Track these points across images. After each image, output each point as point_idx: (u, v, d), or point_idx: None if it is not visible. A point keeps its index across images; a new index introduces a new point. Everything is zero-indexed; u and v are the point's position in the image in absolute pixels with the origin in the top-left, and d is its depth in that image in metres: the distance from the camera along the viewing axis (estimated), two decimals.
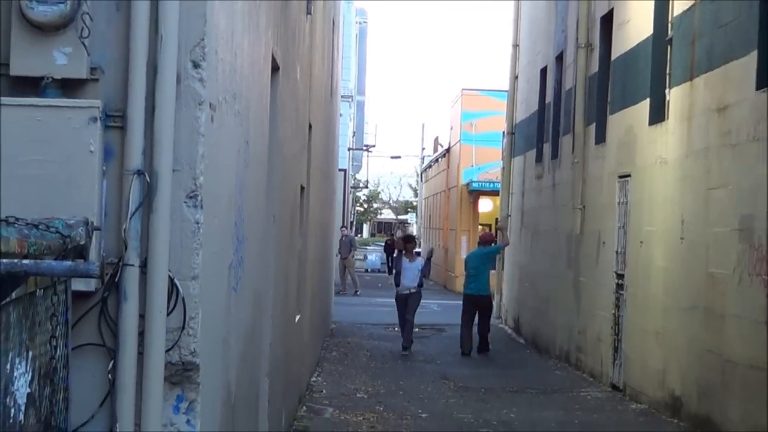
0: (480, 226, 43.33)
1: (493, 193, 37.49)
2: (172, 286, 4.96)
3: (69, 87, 4.94)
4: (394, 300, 19.75)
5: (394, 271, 20.75)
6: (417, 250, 20.07)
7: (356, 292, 34.51)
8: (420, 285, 19.37)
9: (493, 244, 20.82)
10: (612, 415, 13.09)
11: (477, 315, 19.10)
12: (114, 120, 4.94)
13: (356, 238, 51.64)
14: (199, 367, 5.07)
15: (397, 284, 19.43)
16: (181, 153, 4.98)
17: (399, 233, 37.67)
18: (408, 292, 19.13)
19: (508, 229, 24.12)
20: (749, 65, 10.90)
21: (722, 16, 11.69)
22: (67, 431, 4.42)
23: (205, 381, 5.17)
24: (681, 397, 12.47)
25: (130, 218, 4.89)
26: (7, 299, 3.58)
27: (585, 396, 14.51)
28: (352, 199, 57.32)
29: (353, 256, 36.70)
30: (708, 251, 11.81)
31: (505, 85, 27.72)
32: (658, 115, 13.90)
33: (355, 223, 61.99)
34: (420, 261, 19.66)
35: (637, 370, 14.19)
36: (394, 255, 22.24)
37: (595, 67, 17.29)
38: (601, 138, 16.72)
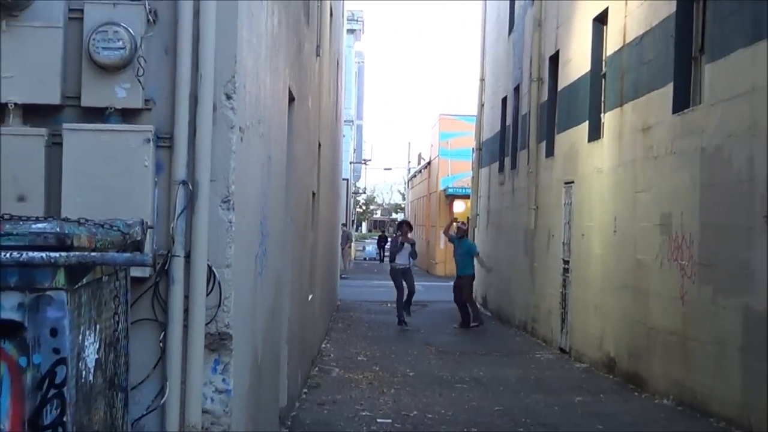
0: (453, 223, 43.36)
1: (465, 196, 37.48)
2: (210, 273, 4.96)
3: (128, 115, 4.95)
4: (389, 273, 19.71)
5: (389, 253, 20.76)
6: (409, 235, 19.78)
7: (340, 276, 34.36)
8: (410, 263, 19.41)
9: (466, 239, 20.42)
10: (560, 372, 13.10)
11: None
12: (163, 141, 4.95)
13: (356, 233, 51.70)
14: (232, 337, 5.07)
15: (392, 261, 19.40)
16: (217, 167, 4.99)
17: (390, 230, 37.60)
18: (404, 266, 19.10)
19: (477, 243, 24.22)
20: (667, 94, 10.93)
21: (645, 55, 11.73)
22: (128, 389, 4.43)
23: (236, 348, 5.18)
24: (615, 358, 12.50)
25: (177, 219, 4.89)
26: (79, 284, 3.59)
27: (539, 357, 14.53)
28: (353, 203, 57.20)
29: (350, 247, 36.63)
30: (635, 242, 11.84)
31: (475, 111, 27.72)
32: (595, 133, 13.93)
33: (355, 221, 61.90)
34: (409, 246, 19.32)
35: (580, 337, 14.21)
36: (390, 239, 22.25)
37: (545, 96, 17.31)
38: (550, 152, 16.74)
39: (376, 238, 56.10)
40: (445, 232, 20.33)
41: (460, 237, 19.62)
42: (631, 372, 11.79)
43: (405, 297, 18.85)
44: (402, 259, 19.16)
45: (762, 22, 8.67)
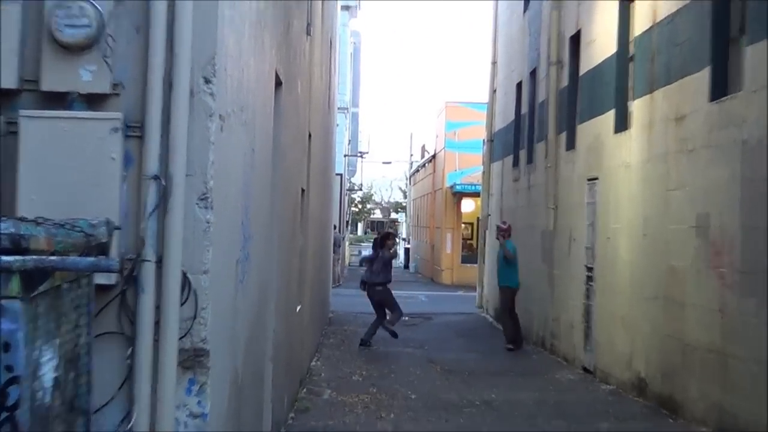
0: (463, 225, 43.41)
1: (475, 194, 37.58)
2: (185, 280, 4.97)
3: (93, 101, 4.96)
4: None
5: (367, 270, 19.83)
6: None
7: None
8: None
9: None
10: (584, 395, 13.10)
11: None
12: (133, 130, 4.95)
13: (351, 235, 51.57)
14: (209, 353, 5.07)
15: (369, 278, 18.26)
16: (194, 159, 4.99)
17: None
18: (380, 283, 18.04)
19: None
20: (703, 79, 10.93)
21: (678, 35, 11.73)
22: (90, 412, 4.42)
23: (214, 365, 5.17)
24: (645, 378, 12.49)
25: (148, 218, 4.90)
26: (36, 292, 3.58)
27: (559, 378, 14.53)
28: (348, 201, 57.20)
29: (336, 253, 36.49)
30: (668, 246, 11.84)
31: (485, 97, 27.77)
32: (622, 124, 13.93)
33: (350, 222, 61.84)
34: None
35: (606, 354, 14.21)
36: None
37: (565, 82, 17.32)
38: (571, 145, 16.75)
39: (372, 241, 55.96)
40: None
41: (505, 238, 18.44)
42: (665, 395, 11.78)
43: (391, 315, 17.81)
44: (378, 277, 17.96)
45: None
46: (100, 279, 4.67)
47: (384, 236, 19.16)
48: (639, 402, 12.34)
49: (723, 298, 10.26)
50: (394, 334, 17.61)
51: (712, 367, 10.45)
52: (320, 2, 15.06)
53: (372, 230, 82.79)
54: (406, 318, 19.94)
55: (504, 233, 18.46)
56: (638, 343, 12.81)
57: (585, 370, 15.01)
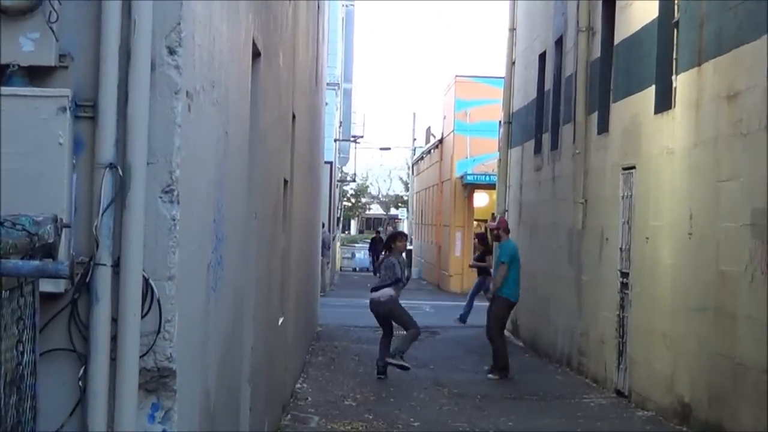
0: (475, 222, 43.43)
1: (489, 186, 37.61)
2: (147, 287, 4.97)
3: (36, 75, 4.95)
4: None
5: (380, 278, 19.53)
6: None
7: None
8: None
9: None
10: (617, 422, 13.12)
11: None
12: (84, 110, 4.95)
13: (343, 235, 51.57)
14: (175, 373, 5.07)
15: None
16: (156, 145, 4.99)
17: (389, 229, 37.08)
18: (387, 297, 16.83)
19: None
20: (761, 49, 10.92)
21: None
22: None
23: (182, 388, 5.17)
24: (690, 404, 12.50)
25: (102, 214, 4.90)
26: None
27: (588, 403, 14.55)
28: (339, 194, 57.29)
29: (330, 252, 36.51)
30: (718, 248, 11.84)
31: (502, 71, 27.75)
32: (664, 102, 13.93)
33: (342, 219, 61.96)
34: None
35: (644, 375, 14.22)
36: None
37: (597, 53, 17.31)
38: (603, 128, 16.74)
39: (369, 242, 55.76)
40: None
41: (502, 239, 17.66)
42: (712, 422, 11.79)
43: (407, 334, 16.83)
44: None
45: None
46: (47, 286, 4.67)
47: (394, 236, 18.43)
48: (682, 431, 12.35)
49: None
50: (404, 368, 16.23)
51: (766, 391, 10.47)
52: None
53: (368, 229, 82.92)
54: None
55: (499, 231, 17.69)
56: (682, 362, 12.81)
57: (618, 393, 15.02)
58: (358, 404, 13.74)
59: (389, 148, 71.36)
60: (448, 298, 37.22)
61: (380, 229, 42.61)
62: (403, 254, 18.08)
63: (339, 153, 47.68)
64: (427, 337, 21.86)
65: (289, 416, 12.53)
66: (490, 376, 16.74)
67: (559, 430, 12.40)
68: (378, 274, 18.38)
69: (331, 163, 39.01)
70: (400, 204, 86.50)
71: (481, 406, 13.96)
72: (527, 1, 24.54)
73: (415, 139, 69.49)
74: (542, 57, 22.15)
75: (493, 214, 19.21)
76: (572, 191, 18.03)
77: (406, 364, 16.15)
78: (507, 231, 17.64)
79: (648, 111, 14.40)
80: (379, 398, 14.26)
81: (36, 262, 3.86)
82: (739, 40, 11.46)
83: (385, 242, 18.48)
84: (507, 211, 25.55)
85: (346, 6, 46.89)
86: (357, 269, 55.49)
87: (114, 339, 4.91)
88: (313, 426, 12.14)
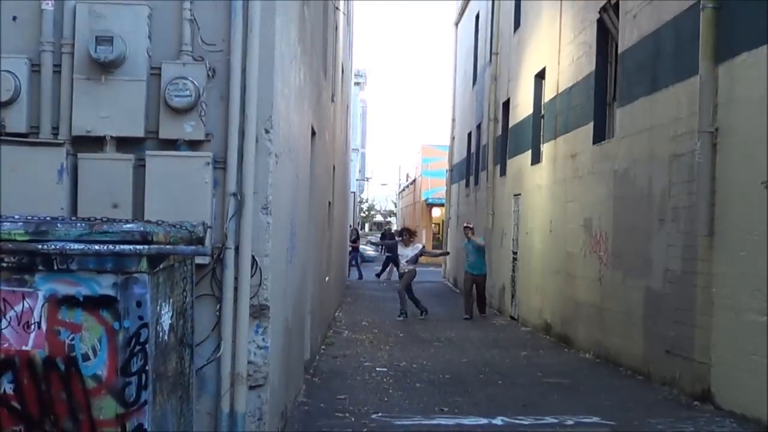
0: (433, 224, 43.34)
1: (441, 205, 37.50)
2: (254, 261, 4.95)
3: (193, 145, 4.95)
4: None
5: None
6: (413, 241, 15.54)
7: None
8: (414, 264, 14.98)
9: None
10: (511, 333, 13.08)
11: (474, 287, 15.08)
12: (219, 164, 4.94)
13: (360, 231, 51.18)
14: (269, 308, 5.07)
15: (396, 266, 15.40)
16: (258, 183, 4.98)
17: (392, 227, 35.97)
18: (403, 270, 15.19)
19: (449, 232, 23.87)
20: (589, 130, 10.95)
21: (573, 101, 11.74)
22: (193, 346, 4.42)
23: (273, 316, 5.17)
24: (551, 324, 12.49)
25: (229, 221, 4.89)
26: (157, 269, 3.60)
27: (495, 323, 14.49)
28: (358, 209, 57.11)
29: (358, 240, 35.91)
30: (566, 238, 11.84)
31: (448, 142, 27.73)
32: (536, 159, 13.93)
33: (360, 222, 61.69)
34: (417, 247, 15.45)
35: (525, 308, 14.20)
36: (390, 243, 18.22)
37: (499, 132, 17.31)
38: (503, 172, 16.73)
39: (381, 234, 53.06)
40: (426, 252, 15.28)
41: (468, 237, 15.32)
42: (563, 334, 11.79)
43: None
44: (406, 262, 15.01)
45: (657, 78, 8.70)
46: (199, 260, 4.67)
47: (408, 231, 15.68)
48: (546, 338, 12.33)
49: (600, 272, 10.28)
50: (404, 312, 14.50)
51: (593, 317, 10.47)
52: (340, 79, 15.05)
53: (375, 227, 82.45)
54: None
55: (472, 230, 15.58)
56: (546, 301, 12.81)
57: (512, 318, 14.99)
58: (370, 324, 13.67)
59: (386, 184, 71.30)
60: (417, 266, 36.75)
61: (388, 227, 40.94)
62: (415, 246, 15.34)
63: (358, 187, 47.49)
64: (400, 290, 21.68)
65: (331, 331, 12.50)
66: (465, 317, 14.66)
67: (479, 338, 12.36)
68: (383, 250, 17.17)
69: (354, 192, 38.84)
70: (391, 215, 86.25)
71: (437, 325, 13.86)
72: (461, 104, 24.52)
73: (400, 179, 69.06)
74: (469, 134, 22.13)
75: (469, 222, 16.46)
76: (486, 207, 18.01)
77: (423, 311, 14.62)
78: (473, 231, 15.71)
79: (527, 163, 14.40)
80: (381, 321, 14.18)
81: (193, 247, 3.88)
82: (577, 124, 11.47)
83: (400, 231, 16.18)
84: (450, 218, 25.46)
85: (363, 107, 46.82)
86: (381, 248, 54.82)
87: (235, 289, 4.90)
88: (345, 336, 12.09)
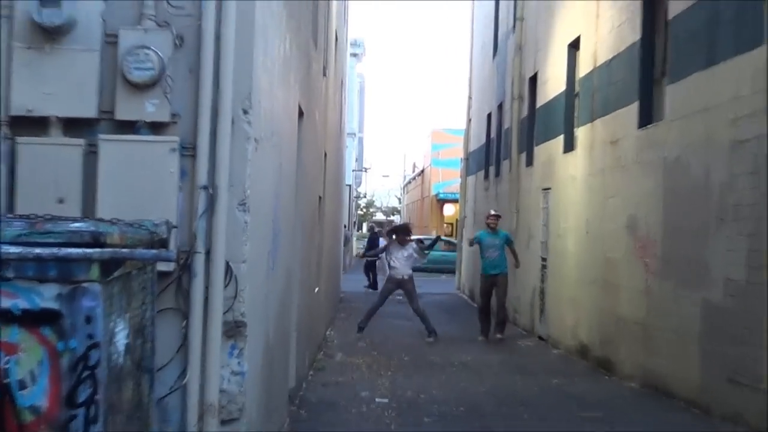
0: (445, 225, 43.42)
1: (454, 200, 37.56)
2: (228, 268, 4.96)
3: (156, 127, 4.95)
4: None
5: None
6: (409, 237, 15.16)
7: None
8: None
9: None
10: (539, 357, 13.08)
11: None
12: (187, 150, 4.94)
13: (357, 232, 51.22)
14: (246, 324, 5.07)
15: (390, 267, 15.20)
16: (234, 173, 4.98)
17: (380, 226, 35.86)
18: (401, 277, 14.78)
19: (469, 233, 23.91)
20: (633, 110, 10.93)
21: (613, 76, 11.73)
22: (153, 370, 4.41)
23: (250, 334, 5.17)
24: (587, 345, 12.48)
25: (198, 219, 4.89)
26: (111, 277, 3.58)
27: (519, 344, 14.49)
28: (355, 206, 57.13)
29: (349, 244, 36.18)
30: (605, 241, 11.84)
31: (463, 125, 27.75)
32: (569, 146, 13.93)
33: (357, 222, 61.78)
34: (412, 246, 14.98)
35: (556, 326, 14.20)
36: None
37: (525, 113, 17.31)
38: (530, 162, 16.74)
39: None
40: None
41: (494, 228, 14.83)
42: (602, 357, 11.77)
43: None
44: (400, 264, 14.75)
45: (715, 49, 8.68)
46: (161, 267, 4.67)
47: (395, 230, 15.54)
48: (582, 363, 12.32)
49: (647, 282, 10.26)
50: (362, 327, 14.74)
51: (638, 336, 10.45)
52: (333, 49, 15.04)
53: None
54: (400, 297, 19.64)
55: (498, 219, 15.10)
56: (582, 317, 12.80)
57: (540, 338, 14.99)
58: (368, 345, 13.69)
59: (388, 176, 71.51)
60: (426, 274, 36.93)
61: (375, 227, 40.84)
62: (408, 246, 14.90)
63: (355, 179, 47.56)
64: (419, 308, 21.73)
65: (322, 353, 12.51)
66: (486, 336, 14.59)
67: (501, 362, 12.35)
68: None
69: (350, 185, 38.91)
70: (394, 213, 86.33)
71: (449, 346, 13.90)
72: (480, 78, 24.53)
73: (405, 170, 69.36)
74: (489, 116, 22.14)
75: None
76: (509, 204, 18.02)
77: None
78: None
79: (559, 151, 14.40)
80: (381, 341, 14.20)
81: (154, 251, 3.86)
82: (618, 105, 11.46)
83: (391, 230, 16.12)
84: (466, 217, 25.50)
85: (360, 83, 46.87)
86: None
87: (206, 302, 4.90)
88: (338, 359, 12.11)
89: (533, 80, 16.67)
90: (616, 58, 11.64)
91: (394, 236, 15.26)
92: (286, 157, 7.02)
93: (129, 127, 4.92)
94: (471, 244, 15.88)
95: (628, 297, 10.85)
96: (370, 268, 26.34)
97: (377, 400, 9.24)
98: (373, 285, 25.77)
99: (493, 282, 14.71)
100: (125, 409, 3.83)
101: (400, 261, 14.81)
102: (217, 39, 4.91)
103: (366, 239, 27.25)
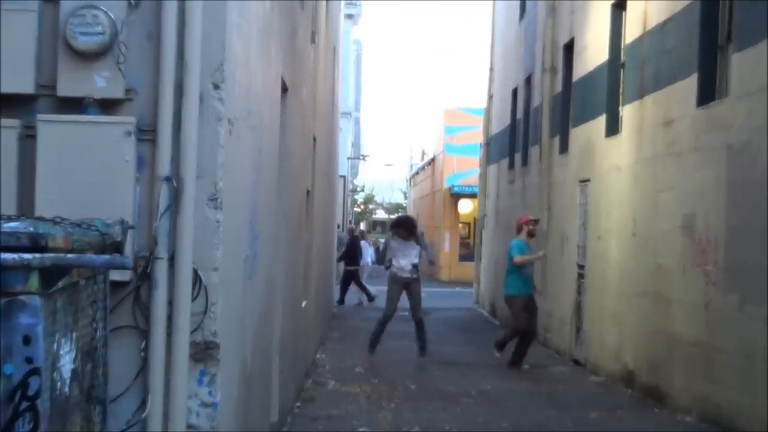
0: (461, 224, 43.40)
1: (472, 195, 37.55)
2: (196, 277, 4.97)
3: (107, 106, 4.96)
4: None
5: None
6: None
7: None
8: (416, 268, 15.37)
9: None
10: (574, 385, 13.08)
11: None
12: (146, 134, 4.96)
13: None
14: (219, 346, 5.08)
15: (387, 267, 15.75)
16: (204, 162, 5.00)
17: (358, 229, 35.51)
18: (408, 276, 15.25)
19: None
20: (691, 86, 10.93)
21: (667, 43, 11.72)
22: (106, 402, 4.43)
23: (224, 357, 5.18)
24: (633, 371, 12.49)
25: (160, 218, 4.91)
26: (54, 288, 3.59)
27: (552, 370, 14.50)
28: (351, 201, 57.13)
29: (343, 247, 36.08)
30: (656, 245, 11.84)
31: (483, 103, 27.76)
32: (613, 128, 13.92)
33: (353, 221, 61.88)
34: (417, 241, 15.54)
35: (596, 347, 14.20)
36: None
37: (558, 88, 17.31)
38: (564, 148, 16.74)
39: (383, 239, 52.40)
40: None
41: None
42: (651, 386, 11.77)
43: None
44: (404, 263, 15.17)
45: None
46: (115, 276, 4.68)
47: (407, 223, 16.05)
48: (627, 392, 12.32)
49: (707, 295, 10.26)
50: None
51: (696, 360, 10.45)
52: (324, 11, 15.06)
53: (374, 229, 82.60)
54: (406, 313, 19.69)
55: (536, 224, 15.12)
56: (626, 336, 12.80)
57: (575, 362, 14.99)
58: (366, 371, 13.71)
59: (391, 165, 71.49)
60: (438, 285, 37.09)
61: (350, 226, 39.95)
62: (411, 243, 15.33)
63: (351, 168, 47.61)
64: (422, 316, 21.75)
65: (310, 380, 12.52)
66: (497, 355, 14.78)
67: (528, 392, 12.36)
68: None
69: (344, 176, 38.93)
70: (399, 210, 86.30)
71: (465, 372, 13.91)
72: (503, 46, 24.53)
73: (411, 158, 69.27)
74: (515, 92, 22.14)
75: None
76: (539, 200, 18.00)
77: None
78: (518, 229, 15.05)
79: (600, 135, 14.40)
80: (383, 366, 14.21)
81: (106, 257, 3.87)
82: (673, 78, 11.45)
83: (394, 223, 16.55)
84: (486, 216, 25.52)
85: (356, 50, 46.87)
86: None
87: (169, 318, 4.92)
88: (330, 388, 12.11)
89: (569, 48, 16.67)
90: (671, 20, 11.64)
91: (399, 229, 15.69)
92: (266, 142, 7.03)
93: (74, 105, 4.93)
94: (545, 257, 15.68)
95: (684, 313, 10.85)
96: (351, 280, 25.89)
97: None
98: (368, 296, 25.79)
99: (531, 303, 14.70)
100: None
101: (407, 258, 15.18)
102: None
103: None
